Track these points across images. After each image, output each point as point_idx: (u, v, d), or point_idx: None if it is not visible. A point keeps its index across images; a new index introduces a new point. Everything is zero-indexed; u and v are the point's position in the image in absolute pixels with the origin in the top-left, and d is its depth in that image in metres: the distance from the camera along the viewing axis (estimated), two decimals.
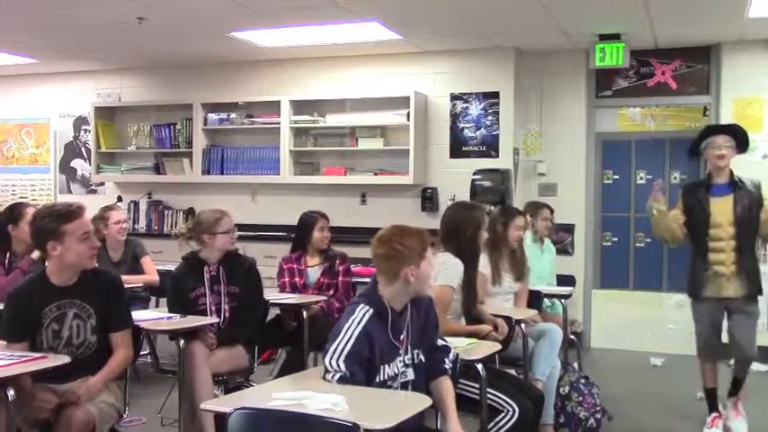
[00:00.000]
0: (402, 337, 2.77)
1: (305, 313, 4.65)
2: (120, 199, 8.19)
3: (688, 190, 4.75)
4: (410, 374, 2.79)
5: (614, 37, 6.35)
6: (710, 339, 4.65)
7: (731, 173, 4.56)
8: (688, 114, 7.93)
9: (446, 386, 2.87)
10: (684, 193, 4.73)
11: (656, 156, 10.93)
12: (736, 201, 4.48)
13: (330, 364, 2.61)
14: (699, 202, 4.57)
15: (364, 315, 2.70)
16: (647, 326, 7.32)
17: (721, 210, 4.50)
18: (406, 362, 2.79)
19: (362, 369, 2.63)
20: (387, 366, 2.73)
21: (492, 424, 3.40)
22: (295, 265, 5.10)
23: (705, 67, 6.89)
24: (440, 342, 2.94)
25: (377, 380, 2.70)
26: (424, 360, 2.85)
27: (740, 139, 4.59)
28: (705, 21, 6.01)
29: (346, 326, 2.68)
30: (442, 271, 3.70)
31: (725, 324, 4.66)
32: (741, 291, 4.50)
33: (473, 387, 3.29)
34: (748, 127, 6.55)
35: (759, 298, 4.61)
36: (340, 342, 2.63)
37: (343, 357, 2.60)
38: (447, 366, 2.89)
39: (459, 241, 3.82)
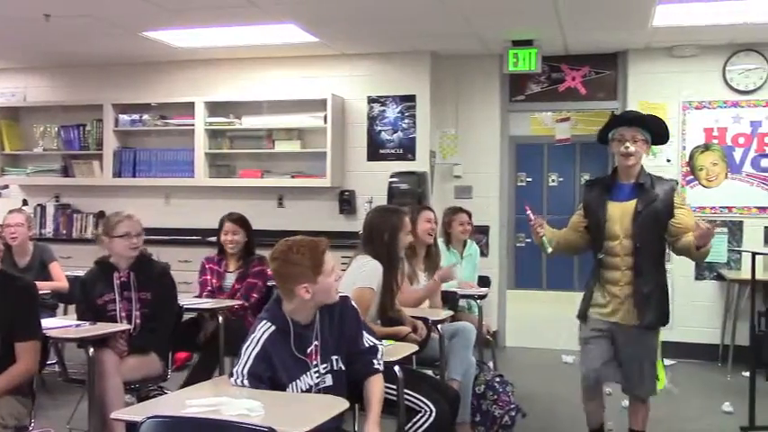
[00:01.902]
0: (310, 350, 2.72)
1: (220, 318, 4.56)
2: (25, 203, 7.87)
3: (588, 187, 3.92)
4: (328, 381, 2.76)
5: (527, 43, 6.51)
6: (596, 373, 3.77)
7: (641, 171, 3.72)
8: (597, 119, 8.22)
9: (373, 386, 2.83)
10: (585, 192, 3.93)
11: (567, 159, 11.32)
12: (638, 208, 3.64)
13: (234, 382, 2.62)
14: (595, 204, 3.77)
15: (263, 333, 2.66)
16: (559, 324, 7.52)
17: (620, 218, 3.67)
18: (322, 371, 2.74)
19: (267, 387, 2.61)
20: (298, 382, 2.69)
21: (410, 425, 3.42)
22: (216, 267, 5.05)
23: (613, 73, 7.14)
24: (367, 344, 2.88)
25: (289, 392, 2.67)
26: (344, 367, 2.80)
27: (656, 131, 3.76)
28: (612, 29, 6.23)
29: (246, 345, 2.65)
30: (361, 273, 3.74)
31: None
32: (635, 318, 3.67)
33: (390, 388, 3.30)
34: None
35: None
36: (240, 362, 2.63)
37: (244, 378, 2.59)
38: (377, 366, 2.86)
39: (376, 245, 3.84)
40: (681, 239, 3.63)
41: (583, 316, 3.85)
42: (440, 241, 5.32)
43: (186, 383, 4.09)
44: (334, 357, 2.79)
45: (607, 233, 3.70)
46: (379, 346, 2.94)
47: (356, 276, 3.74)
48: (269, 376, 2.62)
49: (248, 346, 2.65)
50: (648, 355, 3.75)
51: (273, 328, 2.68)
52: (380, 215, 3.98)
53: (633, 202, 3.66)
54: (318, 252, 2.70)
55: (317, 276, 2.67)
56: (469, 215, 5.65)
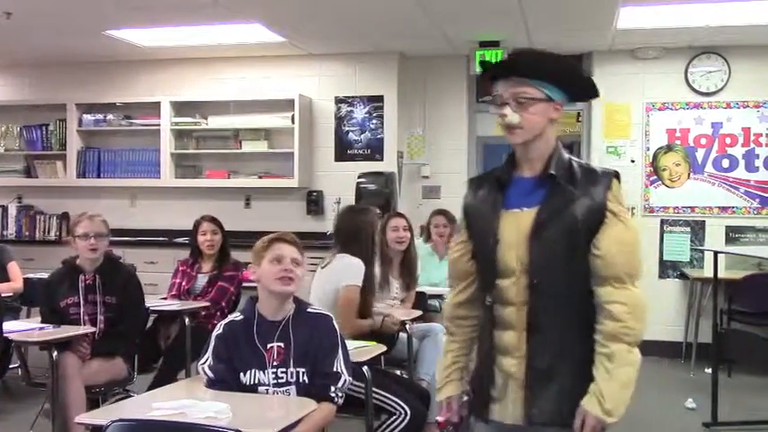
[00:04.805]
0: (271, 346, 2.72)
1: (187, 320, 4.52)
2: None
3: (474, 188, 2.25)
4: (293, 392, 2.72)
5: (494, 44, 6.55)
6: None
7: (553, 155, 2.12)
8: (563, 120, 8.29)
9: (318, 409, 2.59)
10: (468, 195, 2.26)
11: None
12: (540, 218, 2.07)
13: (199, 369, 2.74)
14: (483, 215, 2.17)
15: (229, 319, 2.82)
16: None
17: (516, 238, 2.08)
18: (280, 375, 2.71)
19: (227, 367, 2.69)
20: (255, 372, 2.70)
21: (384, 426, 3.42)
22: (188, 269, 4.99)
23: None
24: (335, 368, 2.74)
25: (244, 381, 2.69)
26: (307, 381, 2.73)
27: (564, 79, 2.13)
28: (578, 30, 6.30)
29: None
30: (348, 271, 3.79)
31: None
32: (537, 412, 2.08)
33: (359, 387, 3.30)
34: (617, 132, 7.04)
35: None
36: (206, 347, 2.76)
37: (207, 361, 2.72)
38: (332, 394, 2.71)
39: (360, 244, 3.90)
40: (599, 317, 2.05)
41: (479, 412, 2.21)
42: (420, 241, 5.31)
43: (151, 388, 4.05)
44: (300, 369, 2.72)
45: (499, 265, 2.10)
46: (345, 378, 2.75)
47: (342, 274, 3.79)
48: (227, 357, 2.71)
49: (214, 331, 2.79)
50: None
51: (241, 317, 2.82)
52: (359, 215, 4.06)
53: (535, 210, 2.08)
54: (270, 239, 2.83)
55: (260, 260, 2.79)
56: (449, 218, 5.49)
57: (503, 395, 2.14)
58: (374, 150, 7.09)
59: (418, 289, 4.98)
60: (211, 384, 2.66)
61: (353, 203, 6.42)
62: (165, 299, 4.90)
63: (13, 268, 5.46)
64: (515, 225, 2.10)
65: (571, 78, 2.17)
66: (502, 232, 2.10)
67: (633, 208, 6.84)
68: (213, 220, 5.02)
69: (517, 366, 2.10)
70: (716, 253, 5.07)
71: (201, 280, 4.94)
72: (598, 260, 2.04)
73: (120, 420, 2.20)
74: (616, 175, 2.10)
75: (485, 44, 6.57)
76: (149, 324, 4.62)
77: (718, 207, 6.78)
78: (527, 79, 2.08)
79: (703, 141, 6.81)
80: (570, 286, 2.07)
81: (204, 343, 2.79)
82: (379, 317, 3.93)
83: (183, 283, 4.93)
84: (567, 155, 2.15)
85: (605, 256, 2.03)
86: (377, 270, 4.54)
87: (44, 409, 3.99)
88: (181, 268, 5.02)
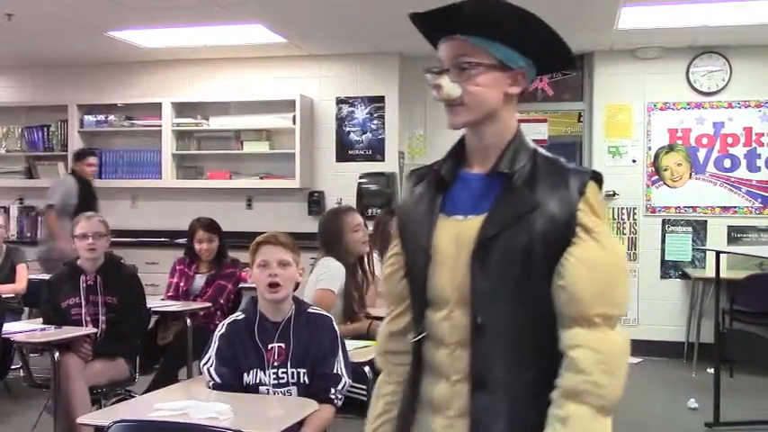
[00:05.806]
0: (271, 346, 2.73)
1: (188, 321, 4.52)
2: None
3: (411, 186, 1.67)
4: (294, 393, 2.73)
5: None
6: None
7: (510, 146, 1.54)
8: (564, 120, 8.29)
9: (318, 412, 2.57)
10: (404, 196, 1.70)
11: None
12: (486, 233, 1.47)
13: (202, 370, 2.74)
14: (416, 223, 1.59)
15: (231, 319, 2.82)
16: None
17: (455, 254, 1.51)
18: (280, 375, 2.72)
19: (231, 369, 2.69)
20: (258, 372, 2.71)
21: None
22: (185, 269, 4.94)
23: (579, 75, 7.21)
24: (335, 370, 2.75)
25: (246, 381, 2.70)
26: (308, 382, 2.73)
27: (529, 40, 1.58)
28: (578, 31, 6.28)
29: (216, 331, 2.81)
30: (323, 275, 3.79)
31: None
32: None
33: (360, 389, 3.30)
34: (619, 132, 7.03)
35: None
36: (209, 345, 2.75)
37: (210, 362, 2.71)
38: (332, 396, 2.70)
39: (336, 247, 3.90)
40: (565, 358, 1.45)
41: None
42: None
43: (151, 388, 4.06)
44: (300, 370, 2.73)
45: (429, 291, 1.55)
46: (345, 380, 2.75)
47: (318, 278, 3.81)
48: (231, 357, 2.70)
49: (216, 332, 2.79)
50: None
51: (242, 316, 2.82)
52: (332, 218, 4.06)
53: (481, 218, 1.50)
54: (257, 243, 2.84)
55: (252, 264, 2.82)
56: None
57: None
58: (375, 151, 7.09)
59: None
60: (216, 388, 2.66)
61: (354, 204, 6.45)
62: (163, 299, 4.91)
63: (21, 270, 5.51)
64: (454, 238, 1.51)
65: (536, 39, 1.56)
66: (436, 246, 1.52)
67: (635, 209, 6.85)
68: (208, 226, 4.87)
69: (448, 429, 1.53)
70: (718, 253, 5.07)
71: (199, 280, 4.91)
72: (562, 293, 1.44)
73: (122, 421, 2.20)
74: (594, 176, 1.50)
75: None
76: (150, 325, 4.63)
77: (720, 207, 6.77)
78: (472, 38, 1.52)
79: (705, 141, 6.80)
80: (525, 327, 1.48)
81: (204, 343, 2.79)
82: (365, 321, 3.90)
83: (182, 284, 4.90)
84: (532, 145, 1.56)
85: (568, 287, 1.43)
86: (377, 267, 4.56)
87: (46, 408, 3.99)
88: (178, 267, 4.96)
